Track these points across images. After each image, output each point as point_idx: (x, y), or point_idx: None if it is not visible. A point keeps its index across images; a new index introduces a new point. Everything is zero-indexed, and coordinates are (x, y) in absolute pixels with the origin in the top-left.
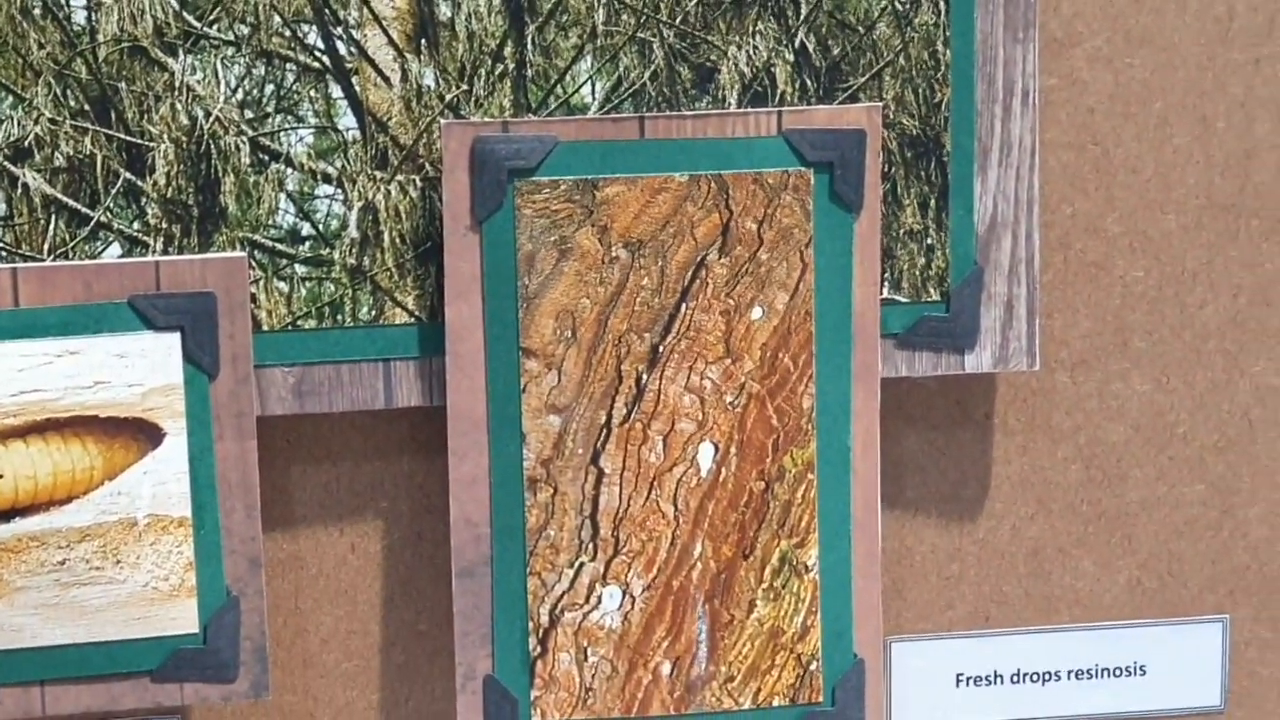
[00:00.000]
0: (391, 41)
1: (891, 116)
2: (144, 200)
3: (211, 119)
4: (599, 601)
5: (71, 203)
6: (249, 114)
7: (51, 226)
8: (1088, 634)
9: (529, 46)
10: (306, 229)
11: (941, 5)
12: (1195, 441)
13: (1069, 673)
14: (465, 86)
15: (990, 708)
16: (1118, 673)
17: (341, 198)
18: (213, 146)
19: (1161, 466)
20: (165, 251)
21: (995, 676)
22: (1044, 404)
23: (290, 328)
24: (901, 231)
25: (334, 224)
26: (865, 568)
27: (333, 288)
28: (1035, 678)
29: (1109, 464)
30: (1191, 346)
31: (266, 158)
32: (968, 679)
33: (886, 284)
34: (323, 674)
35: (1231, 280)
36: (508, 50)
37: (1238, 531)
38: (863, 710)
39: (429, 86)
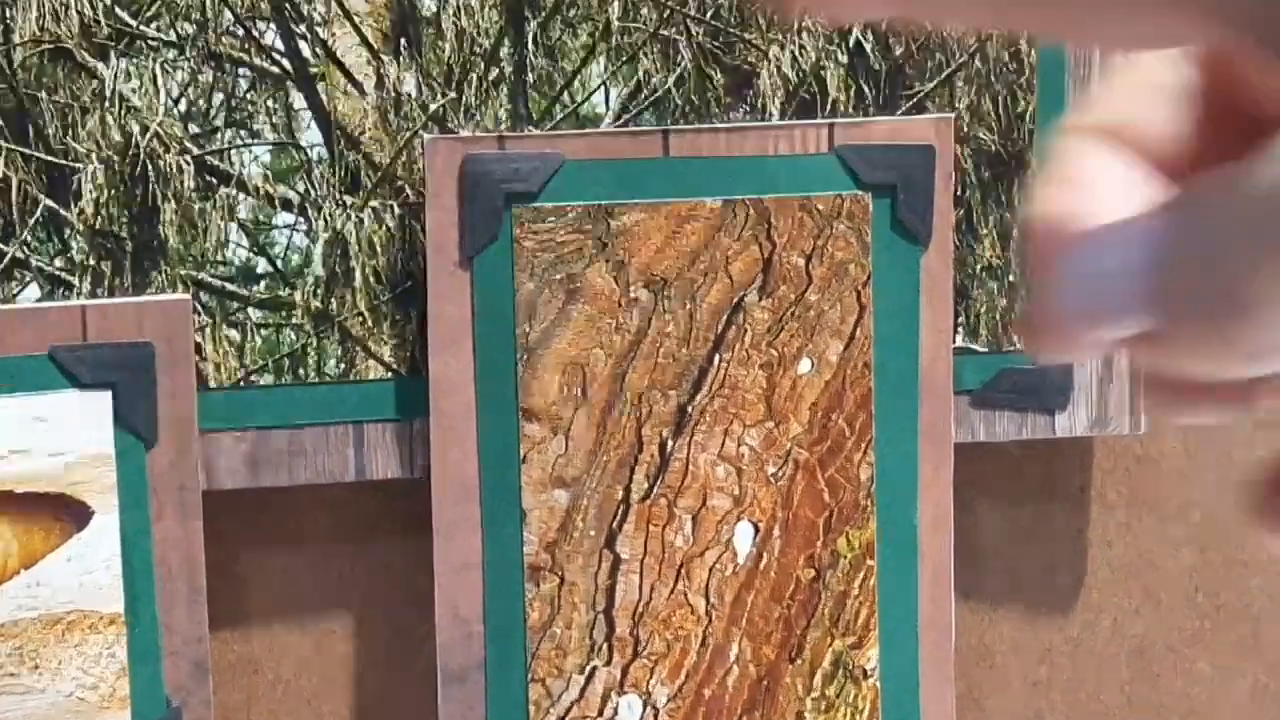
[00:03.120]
0: (365, 41)
1: (966, 130)
2: (68, 232)
3: (149, 135)
4: (615, 713)
5: None
6: (194, 128)
7: None
8: None
9: (530, 46)
10: (263, 265)
11: None
12: None
13: None
14: (453, 94)
15: None
16: None
17: (304, 228)
18: (150, 167)
19: None
20: (94, 294)
21: None
22: (1150, 475)
23: (243, 384)
24: (979, 267)
25: (295, 259)
26: (936, 672)
27: (294, 336)
28: None
29: (1229, 547)
30: None
31: (215, 180)
32: None
33: (960, 330)
34: None
35: None
36: (504, 51)
37: None
38: None
39: (409, 94)
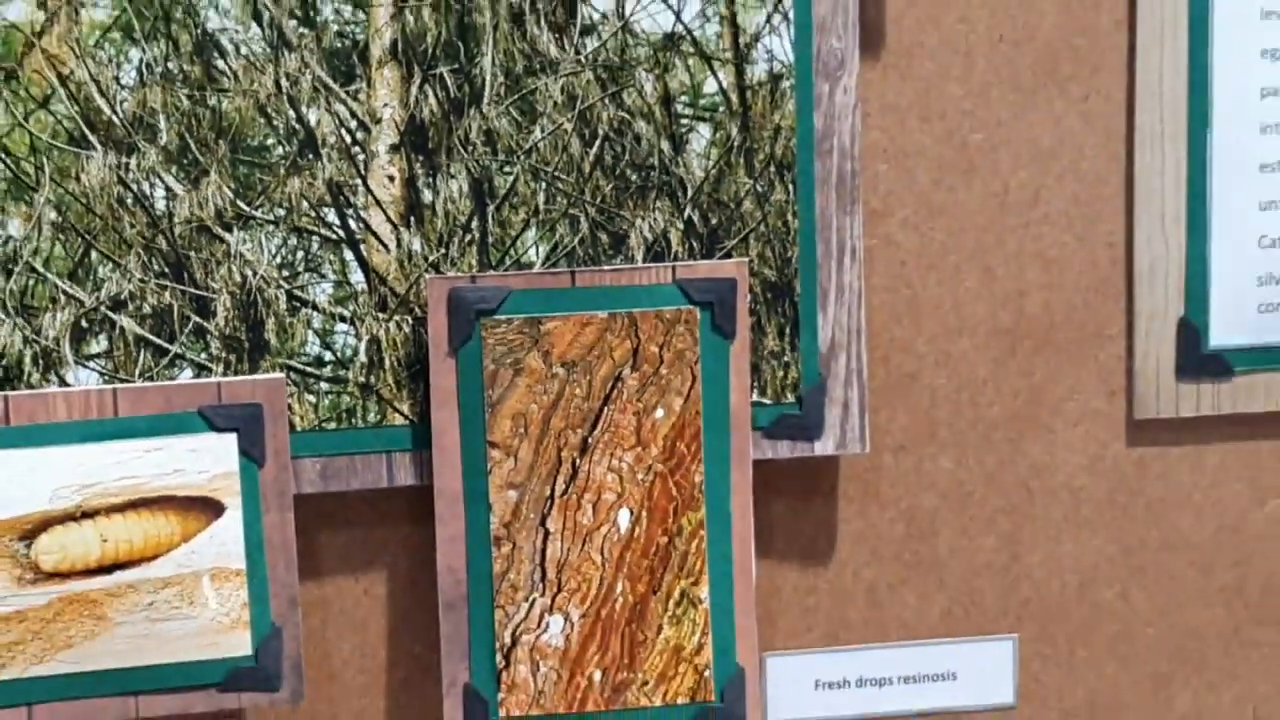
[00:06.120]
0: (389, 219)
1: (755, 268)
2: (209, 337)
3: (258, 277)
4: (547, 627)
5: (155, 340)
6: (285, 273)
7: (141, 357)
8: (912, 649)
9: (489, 221)
10: (328, 356)
11: (790, 187)
12: (988, 505)
13: (899, 678)
14: (444, 250)
15: (841, 706)
16: (935, 679)
17: (354, 333)
18: (259, 297)
19: (963, 524)
20: (225, 374)
21: (844, 682)
22: (874, 478)
23: (317, 429)
24: (765, 352)
25: (348, 352)
26: (744, 601)
27: (348, 399)
28: (874, 683)
29: (924, 523)
30: (983, 435)
31: (298, 304)
32: (823, 684)
33: (755, 390)
34: (343, 686)
35: (1012, 385)
36: (474, 224)
37: (1022, 573)
38: (744, 707)
39: (417, 251)
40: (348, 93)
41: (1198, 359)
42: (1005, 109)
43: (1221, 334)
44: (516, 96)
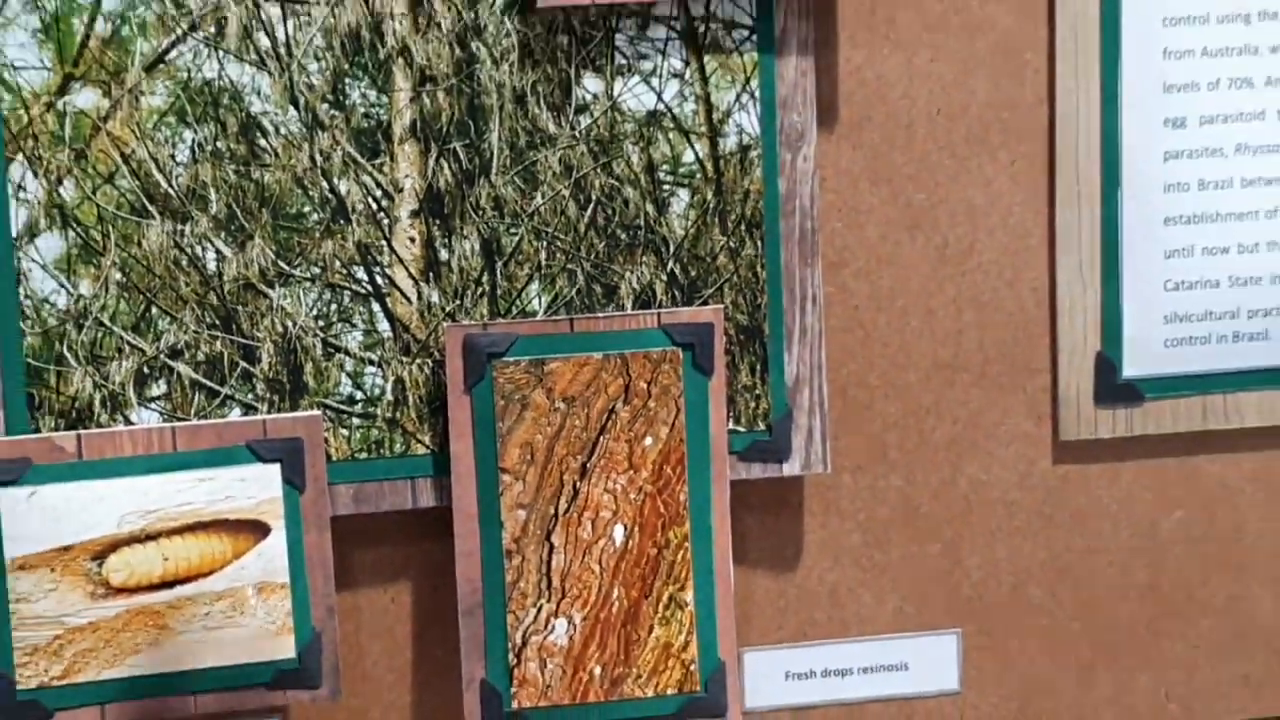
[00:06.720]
0: (411, 275)
1: (730, 314)
2: (255, 380)
3: (297, 327)
4: (553, 629)
5: (208, 383)
6: (321, 323)
7: (196, 399)
8: (869, 644)
9: (498, 276)
10: (359, 395)
11: (759, 243)
12: (933, 517)
13: (858, 669)
14: (459, 302)
15: (808, 694)
16: (890, 669)
17: (381, 375)
18: (298, 345)
19: (912, 534)
20: (269, 412)
21: (811, 673)
22: (835, 495)
23: (350, 459)
24: (740, 386)
25: (377, 391)
26: (724, 603)
27: (377, 433)
28: (836, 674)
29: (878, 533)
30: (928, 457)
31: (333, 350)
32: (793, 675)
33: (731, 420)
34: (374, 684)
35: (952, 413)
36: (485, 278)
37: (963, 576)
38: (725, 696)
39: (435, 302)
40: (373, 166)
41: (1113, 388)
42: (943, 173)
43: (1133, 366)
44: (520, 167)
